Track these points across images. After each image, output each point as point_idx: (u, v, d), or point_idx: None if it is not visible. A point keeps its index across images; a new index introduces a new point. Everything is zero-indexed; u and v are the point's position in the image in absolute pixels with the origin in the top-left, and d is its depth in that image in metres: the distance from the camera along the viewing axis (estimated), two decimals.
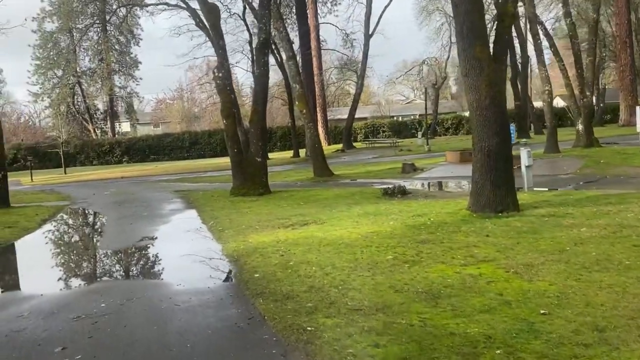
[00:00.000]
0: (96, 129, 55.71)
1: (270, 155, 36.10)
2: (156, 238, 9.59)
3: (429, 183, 16.32)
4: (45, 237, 10.62)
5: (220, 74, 14.49)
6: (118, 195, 17.13)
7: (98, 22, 53.28)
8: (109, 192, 18.41)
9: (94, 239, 10.16)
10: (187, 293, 5.97)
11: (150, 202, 14.61)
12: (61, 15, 51.06)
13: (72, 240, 10.35)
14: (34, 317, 5.39)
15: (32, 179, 30.73)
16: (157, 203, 14.42)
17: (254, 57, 15.88)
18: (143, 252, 8.63)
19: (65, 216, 13.07)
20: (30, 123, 57.61)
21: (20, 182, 31.55)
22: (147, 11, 55.26)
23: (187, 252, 8.22)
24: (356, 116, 41.93)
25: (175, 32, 33.88)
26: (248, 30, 33.95)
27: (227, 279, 6.66)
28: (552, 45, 22.46)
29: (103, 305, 5.64)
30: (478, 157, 9.23)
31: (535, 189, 11.90)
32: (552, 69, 30.31)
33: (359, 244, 7.46)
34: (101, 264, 8.09)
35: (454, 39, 52.54)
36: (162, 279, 6.78)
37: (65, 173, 35.73)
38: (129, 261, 8.20)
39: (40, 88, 54.29)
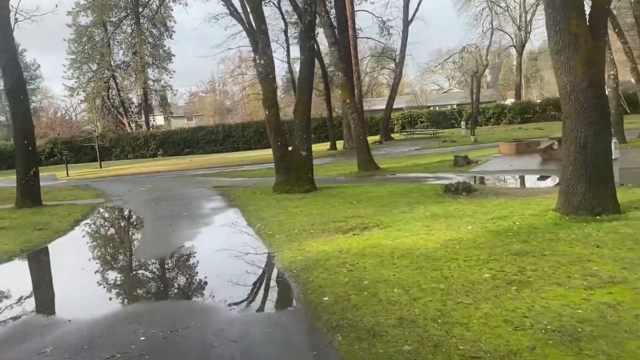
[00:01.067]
0: (131, 123, 55.58)
1: None
2: (199, 244, 8.51)
3: (494, 178, 14.85)
4: (77, 242, 9.69)
5: (262, 61, 13.33)
6: (154, 192, 16.23)
7: (131, 14, 53.01)
8: (145, 189, 17.55)
9: (130, 245, 9.16)
10: (243, 322, 4.84)
11: (188, 200, 13.62)
12: (95, 8, 50.98)
13: (106, 246, 9.37)
14: (59, 356, 4.32)
15: (67, 174, 30.36)
16: (196, 201, 13.40)
17: (299, 42, 14.66)
18: (185, 262, 7.55)
19: (99, 216, 12.17)
20: (67, 117, 57.82)
21: (56, 176, 31.26)
22: (181, 2, 54.82)
23: (235, 262, 7.12)
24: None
25: (209, 21, 32.92)
26: (283, 18, 32.81)
27: (289, 303, 5.50)
28: (616, 26, 20.53)
29: (142, 338, 4.55)
30: (571, 149, 7.80)
31: (624, 185, 10.38)
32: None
33: (442, 256, 6.20)
34: (139, 278, 7.03)
35: (495, 24, 50.36)
36: (210, 301, 5.65)
37: (101, 167, 35.37)
38: (170, 275, 7.13)
39: (76, 82, 54.41)
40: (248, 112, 76.18)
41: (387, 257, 6.47)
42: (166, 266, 7.51)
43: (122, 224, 11.34)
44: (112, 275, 7.30)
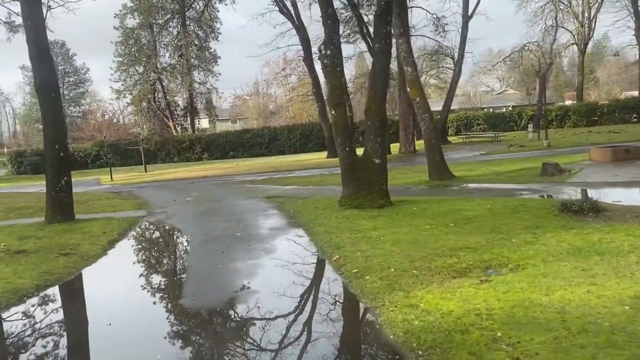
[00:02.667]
0: (176, 126, 54.58)
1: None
2: (262, 286, 6.33)
3: (603, 194, 12.18)
4: (106, 275, 7.70)
5: (329, 52, 11.14)
6: (202, 203, 14.27)
7: (178, 16, 52.04)
8: (191, 198, 15.64)
9: (173, 284, 7.05)
10: None
11: (241, 214, 11.55)
12: (142, 10, 50.16)
13: (141, 285, 7.27)
14: None
15: (111, 178, 29.07)
16: (250, 216, 11.31)
17: (374, 28, 12.43)
18: (247, 319, 5.37)
19: (137, 236, 10.19)
20: (114, 120, 57.38)
21: (100, 180, 30.05)
22: (227, 3, 53.48)
23: (319, 325, 4.91)
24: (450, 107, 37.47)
25: (256, 19, 31.13)
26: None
27: None
28: None
29: None
30: None
31: None
32: None
33: None
34: (185, 345, 4.88)
35: (559, 20, 46.77)
36: None
37: (146, 171, 34.07)
38: (228, 339, 4.94)
39: (123, 85, 53.77)
40: (291, 115, 74.60)
41: (560, 330, 4.14)
42: (222, 325, 5.35)
43: (164, 249, 9.28)
44: (149, 337, 5.20)
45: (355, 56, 35.55)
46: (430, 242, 7.49)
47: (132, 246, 9.39)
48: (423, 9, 37.21)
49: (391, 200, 11.29)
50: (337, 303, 5.80)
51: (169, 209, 13.39)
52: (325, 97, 34.30)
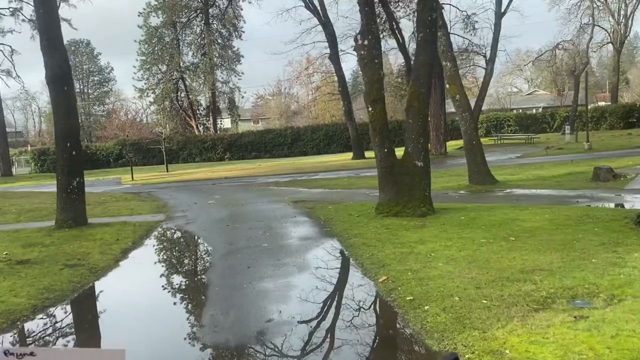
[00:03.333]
0: (198, 125, 54.01)
1: None
2: (297, 314, 5.24)
3: None
4: (114, 294, 6.68)
5: (366, 42, 10.01)
6: (224, 207, 13.28)
7: (201, 14, 51.46)
8: (213, 201, 14.67)
9: (192, 308, 5.99)
10: None
11: (267, 221, 10.50)
12: (165, 9, 49.70)
13: (156, 309, 6.23)
14: None
15: (132, 177, 28.36)
16: (278, 223, 10.25)
17: (417, 16, 11.30)
18: None
19: (154, 245, 9.17)
20: (137, 119, 57.05)
21: (121, 180, 29.40)
22: (250, 1, 52.65)
23: None
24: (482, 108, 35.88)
25: (281, 15, 30.15)
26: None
27: None
28: None
29: None
30: None
31: None
32: None
33: None
34: None
35: (590, 19, 44.85)
36: None
37: (167, 171, 33.34)
38: None
39: (145, 84, 53.38)
40: (314, 115, 73.58)
41: None
42: None
43: (182, 262, 8.23)
44: None
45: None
46: (492, 261, 6.32)
47: (147, 257, 8.38)
48: (453, 6, 35.81)
49: (434, 207, 10.13)
50: (393, 343, 4.69)
51: (189, 213, 12.41)
52: (349, 95, 33.21)
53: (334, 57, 29.44)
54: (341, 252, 7.63)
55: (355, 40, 10.41)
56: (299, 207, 12.41)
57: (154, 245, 9.05)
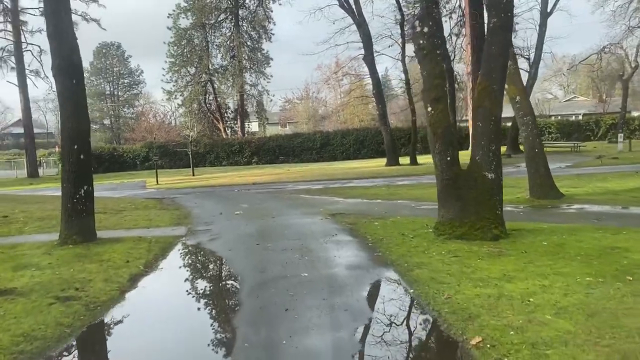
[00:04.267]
0: (226, 128, 52.86)
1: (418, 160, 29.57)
2: None
3: None
4: (113, 344, 5.06)
5: (426, 29, 8.27)
6: (253, 219, 11.67)
7: (231, 16, 50.37)
8: (241, 212, 13.07)
9: None
10: None
11: (304, 239, 8.83)
12: (195, 10, 48.76)
13: None
14: None
15: (157, 181, 27.10)
16: (316, 243, 8.56)
17: (487, 3, 9.48)
18: None
19: (170, 270, 7.49)
20: (165, 121, 56.19)
21: (145, 183, 28.19)
22: (280, 3, 51.33)
23: None
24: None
25: (314, 14, 28.58)
26: (400, 9, 27.70)
27: None
28: None
29: None
30: None
31: None
32: None
33: None
34: None
35: (636, 22, 42.10)
36: None
37: (193, 175, 32.06)
38: None
39: (174, 86, 52.50)
40: (342, 119, 71.85)
41: None
42: None
43: (202, 297, 6.55)
44: None
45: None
46: (621, 316, 4.53)
47: (159, 288, 6.75)
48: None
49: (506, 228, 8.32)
50: None
51: (214, 226, 10.82)
52: (378, 97, 31.33)
53: (369, 58, 27.70)
54: (405, 291, 5.88)
55: (413, 27, 8.67)
56: (339, 221, 10.71)
57: (169, 270, 7.44)
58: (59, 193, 9.01)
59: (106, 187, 27.30)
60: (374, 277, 6.58)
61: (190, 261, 8.14)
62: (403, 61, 28.35)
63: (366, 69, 29.14)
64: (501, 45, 8.31)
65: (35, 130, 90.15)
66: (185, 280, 6.95)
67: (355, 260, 7.35)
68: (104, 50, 76.42)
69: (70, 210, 8.48)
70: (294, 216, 11.84)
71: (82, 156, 8.60)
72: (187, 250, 8.74)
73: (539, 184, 12.60)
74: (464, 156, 8.63)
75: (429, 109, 8.46)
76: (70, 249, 8.22)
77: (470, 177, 8.26)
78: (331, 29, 43.98)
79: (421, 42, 8.50)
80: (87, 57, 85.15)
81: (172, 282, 6.93)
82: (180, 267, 7.75)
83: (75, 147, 8.51)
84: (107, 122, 78.41)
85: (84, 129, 8.75)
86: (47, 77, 39.03)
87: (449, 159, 8.30)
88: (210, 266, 7.74)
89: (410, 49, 29.34)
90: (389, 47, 29.11)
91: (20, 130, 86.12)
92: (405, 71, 28.48)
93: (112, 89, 78.72)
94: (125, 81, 79.53)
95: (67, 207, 8.49)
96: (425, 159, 30.68)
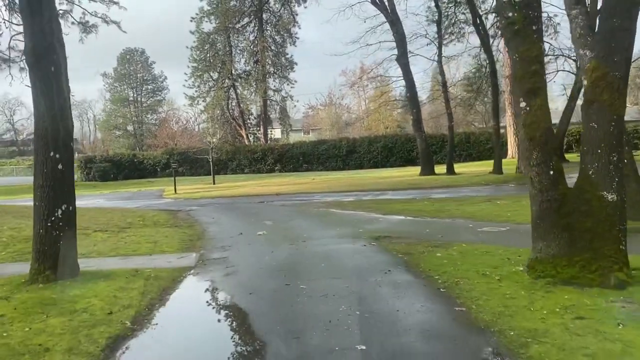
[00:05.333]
0: (249, 135, 51.05)
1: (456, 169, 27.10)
2: None
3: None
4: None
5: None
6: (279, 243, 9.49)
7: (254, 20, 48.68)
8: (264, 231, 10.89)
9: None
10: None
11: (349, 278, 6.60)
12: (218, 14, 47.17)
13: None
14: None
15: (175, 190, 25.21)
16: (367, 285, 6.30)
17: None
18: None
19: (164, 329, 5.25)
20: (187, 127, 54.58)
21: (163, 192, 26.35)
22: (306, 6, 49.33)
23: None
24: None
25: (343, 12, 26.51)
26: (437, 5, 25.37)
27: None
28: None
29: None
30: None
31: None
32: None
33: None
34: None
35: None
36: None
37: (214, 183, 30.13)
38: None
39: (196, 91, 50.91)
40: (367, 126, 69.47)
41: None
42: None
43: None
44: None
45: (461, 54, 29.20)
46: None
47: None
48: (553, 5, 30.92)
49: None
50: None
51: (231, 253, 8.65)
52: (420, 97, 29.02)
53: (403, 59, 25.41)
54: None
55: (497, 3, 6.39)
56: (387, 249, 8.44)
57: (164, 329, 5.26)
58: (84, 202, 6.91)
59: (122, 196, 25.53)
60: (470, 358, 4.29)
61: (195, 313, 5.94)
62: (440, 62, 25.97)
63: (393, 73, 26.87)
64: (624, 19, 5.98)
65: None
66: (184, 349, 4.75)
67: (431, 321, 5.06)
68: (127, 56, 75.53)
69: (43, 238, 6.38)
70: (329, 239, 9.62)
71: (60, 166, 6.51)
72: (193, 294, 6.56)
73: (629, 202, 10.12)
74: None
75: (523, 104, 6.16)
76: (39, 290, 6.11)
77: (581, 199, 5.93)
78: (362, 28, 40.83)
79: (510, 14, 6.22)
80: (111, 63, 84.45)
81: (165, 353, 4.73)
82: (179, 323, 5.57)
83: (52, 154, 6.42)
84: (130, 128, 77.43)
85: (65, 132, 6.66)
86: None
87: (551, 173, 5.98)
88: (222, 325, 5.49)
89: (447, 50, 27.06)
90: (427, 45, 26.51)
91: None
92: (442, 73, 26.10)
93: (135, 95, 77.74)
94: (149, 87, 78.47)
95: (39, 234, 6.40)
96: (461, 168, 28.16)
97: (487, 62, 23.95)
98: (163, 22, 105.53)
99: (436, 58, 26.08)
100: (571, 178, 6.21)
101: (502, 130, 35.24)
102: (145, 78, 77.45)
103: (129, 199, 24.10)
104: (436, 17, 25.24)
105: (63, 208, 6.46)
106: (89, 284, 6.37)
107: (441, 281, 6.29)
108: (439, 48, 25.80)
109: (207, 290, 6.59)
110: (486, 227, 10.32)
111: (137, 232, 11.00)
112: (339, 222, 12.04)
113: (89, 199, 24.93)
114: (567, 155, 31.95)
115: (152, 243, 9.59)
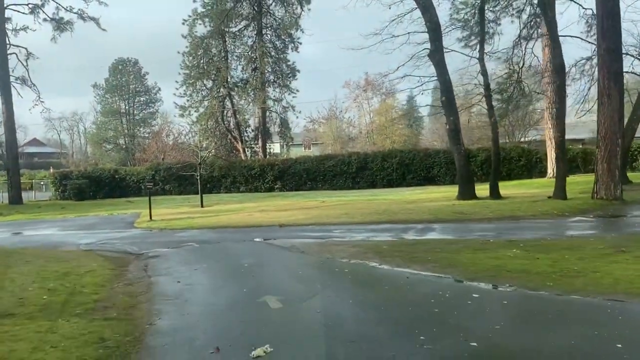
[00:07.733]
0: (245, 149, 45.48)
1: (503, 188, 21.54)
2: None
3: None
4: None
5: None
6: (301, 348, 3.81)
7: (253, 23, 43.42)
8: (265, 351, 5.18)
9: None
10: None
11: None
12: (213, 16, 41.87)
13: None
14: None
15: (150, 217, 19.46)
16: None
17: None
18: None
19: None
20: (179, 140, 48.95)
21: (138, 218, 20.59)
22: (309, 8, 43.98)
23: None
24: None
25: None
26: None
27: None
28: None
29: None
30: None
31: None
32: None
33: None
34: None
35: None
36: None
37: (202, 206, 24.45)
38: None
39: (188, 100, 45.36)
40: (372, 140, 64.19)
41: None
42: None
43: None
44: None
45: (503, 54, 23.34)
46: None
47: None
48: (575, 2, 25.67)
49: None
50: None
51: None
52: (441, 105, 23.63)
53: (437, 53, 19.92)
54: None
55: None
56: None
57: None
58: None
59: (84, 224, 19.84)
60: None
61: None
62: (481, 59, 20.52)
63: (399, 87, 21.39)
64: None
65: (49, 150, 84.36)
66: None
67: None
68: (119, 67, 70.28)
69: None
70: (379, 330, 3.98)
71: None
72: None
73: None
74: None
75: None
76: None
77: None
78: (386, 16, 34.49)
79: None
80: (102, 74, 78.87)
81: None
82: None
83: None
84: (121, 141, 71.84)
85: None
86: (35, 86, 32.26)
87: None
88: None
89: (491, 44, 21.63)
90: (462, 39, 21.01)
91: (35, 149, 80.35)
92: (485, 73, 20.60)
93: (127, 107, 72.31)
94: (142, 99, 73.08)
95: None
96: (503, 190, 22.49)
97: (552, 54, 18.55)
98: (160, 34, 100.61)
99: (476, 54, 20.69)
100: None
101: (526, 146, 29.84)
102: (137, 89, 72.12)
103: (91, 228, 18.44)
104: (478, 1, 19.94)
105: None
106: None
107: None
108: (481, 42, 20.43)
109: None
110: (623, 305, 4.69)
111: (14, 338, 5.28)
112: (404, 301, 6.38)
113: (41, 227, 19.22)
114: (629, 174, 26.62)
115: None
